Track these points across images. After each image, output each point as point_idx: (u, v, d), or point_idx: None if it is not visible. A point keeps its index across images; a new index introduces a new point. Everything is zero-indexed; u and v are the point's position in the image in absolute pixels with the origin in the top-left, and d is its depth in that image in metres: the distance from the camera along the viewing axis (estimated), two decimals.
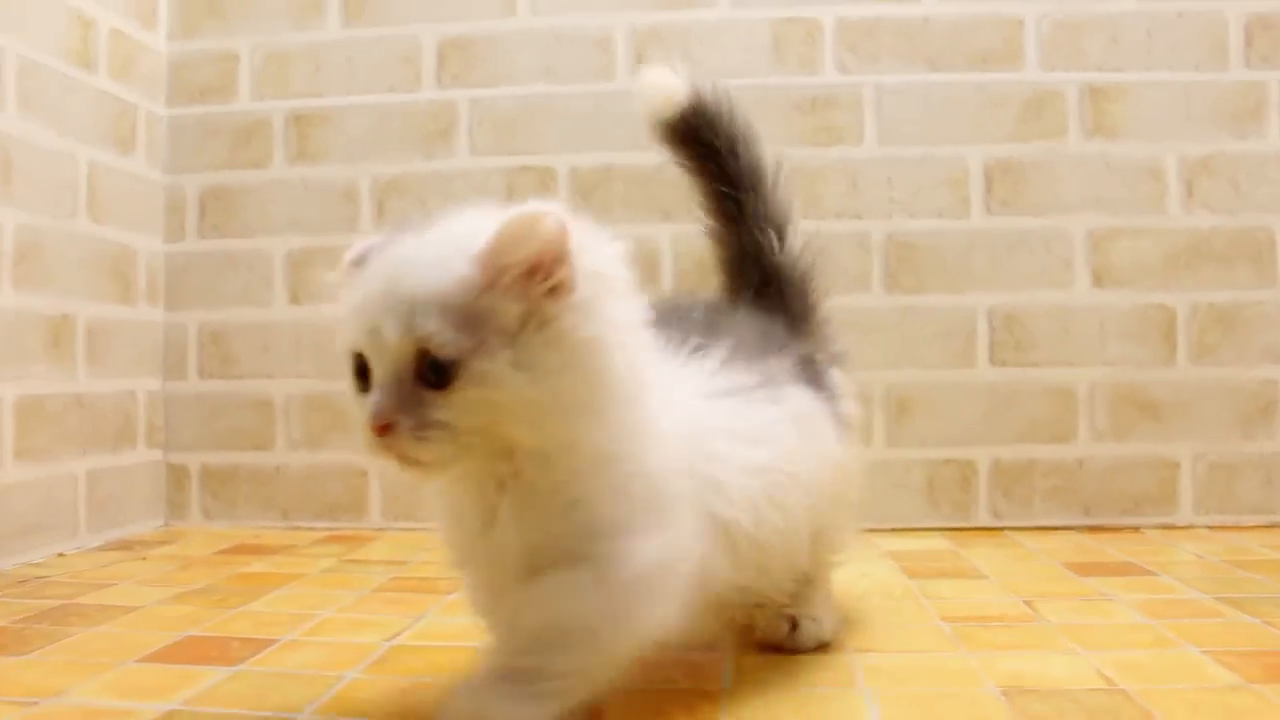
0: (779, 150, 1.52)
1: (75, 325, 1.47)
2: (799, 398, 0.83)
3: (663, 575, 0.66)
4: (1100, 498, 1.53)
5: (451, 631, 0.99)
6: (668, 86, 0.94)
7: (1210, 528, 1.52)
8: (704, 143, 0.98)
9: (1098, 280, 1.54)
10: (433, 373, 0.61)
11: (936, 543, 1.45)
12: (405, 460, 0.62)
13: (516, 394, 0.62)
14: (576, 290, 0.62)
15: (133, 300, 1.62)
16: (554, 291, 0.62)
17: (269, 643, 0.95)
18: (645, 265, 1.52)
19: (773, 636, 0.90)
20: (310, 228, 1.66)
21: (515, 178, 1.60)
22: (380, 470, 0.62)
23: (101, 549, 1.47)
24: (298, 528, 1.62)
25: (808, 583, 0.90)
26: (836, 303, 1.50)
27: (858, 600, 1.09)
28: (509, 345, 0.62)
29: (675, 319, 0.76)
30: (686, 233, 1.50)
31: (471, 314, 0.61)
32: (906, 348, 1.55)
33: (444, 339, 0.60)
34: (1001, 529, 1.53)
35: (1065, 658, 0.87)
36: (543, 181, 1.60)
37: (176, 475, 1.68)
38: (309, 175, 1.66)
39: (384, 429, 0.61)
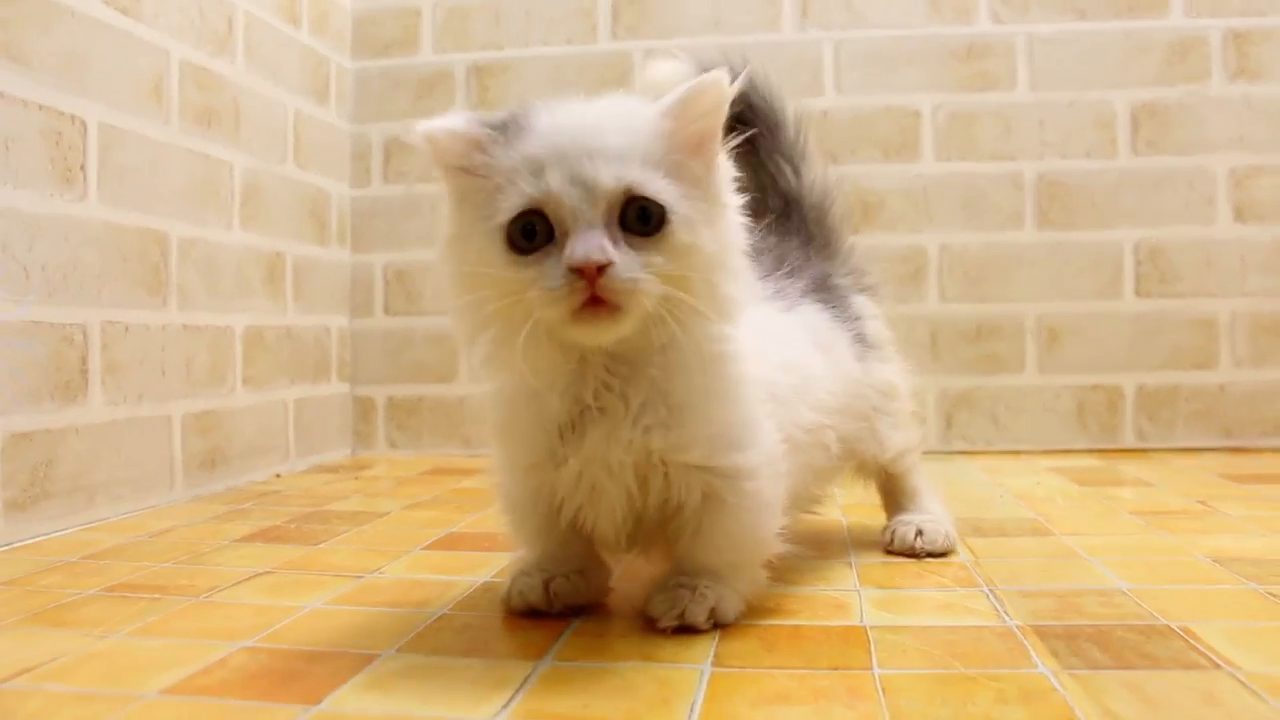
0: (937, 96, 1.62)
1: (285, 263, 1.61)
2: (811, 312, 0.86)
3: (777, 479, 0.71)
4: (1241, 421, 1.62)
5: None
6: (676, 74, 0.90)
7: None
8: None
9: (1239, 216, 1.62)
10: (641, 220, 0.62)
11: (1089, 461, 1.55)
12: (613, 304, 0.61)
13: (712, 245, 0.65)
14: (720, 158, 0.68)
15: (326, 241, 1.75)
16: (710, 155, 0.67)
17: None
18: None
19: (903, 543, 0.93)
20: None
21: None
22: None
23: (309, 471, 1.61)
24: (478, 454, 1.75)
25: (903, 493, 0.98)
26: (990, 239, 1.61)
27: (1043, 501, 1.20)
28: (702, 198, 0.65)
29: None
30: (853, 173, 1.60)
31: (670, 165, 0.64)
32: (1056, 281, 1.64)
33: (656, 184, 0.62)
34: (1147, 450, 1.63)
35: (1258, 539, 0.97)
36: None
37: (363, 407, 1.82)
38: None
39: (600, 270, 0.60)
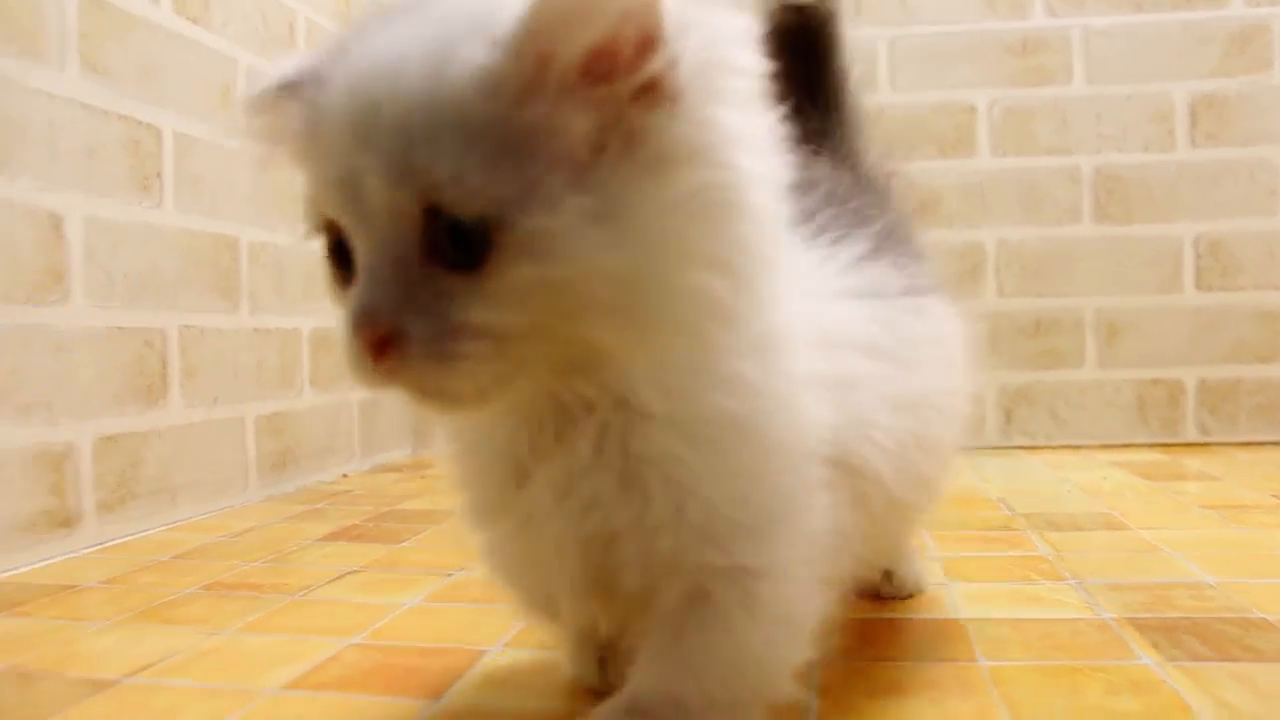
0: (992, 91, 1.62)
1: None
2: (939, 309, 0.64)
3: (810, 580, 0.46)
4: None
5: None
6: None
7: None
8: None
9: None
10: (454, 244, 0.37)
11: (1151, 456, 1.54)
12: (424, 395, 0.39)
13: (597, 265, 0.37)
14: (682, 91, 0.37)
15: None
16: (645, 94, 0.37)
17: None
18: None
19: (867, 584, 0.74)
20: None
21: None
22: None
23: (373, 471, 1.64)
24: None
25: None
26: (1047, 233, 1.61)
27: (1112, 496, 1.20)
28: (578, 185, 0.37)
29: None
30: (909, 170, 1.61)
31: (509, 137, 0.36)
32: (1115, 275, 1.64)
33: (468, 185, 0.36)
34: (1209, 444, 1.62)
35: None
36: None
37: None
38: None
39: (384, 345, 0.37)
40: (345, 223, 0.39)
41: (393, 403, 0.43)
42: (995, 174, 1.66)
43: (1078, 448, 1.62)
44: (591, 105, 0.37)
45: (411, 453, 1.83)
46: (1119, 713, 0.53)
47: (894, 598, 0.76)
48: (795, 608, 0.46)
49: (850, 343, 0.50)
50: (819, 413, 0.46)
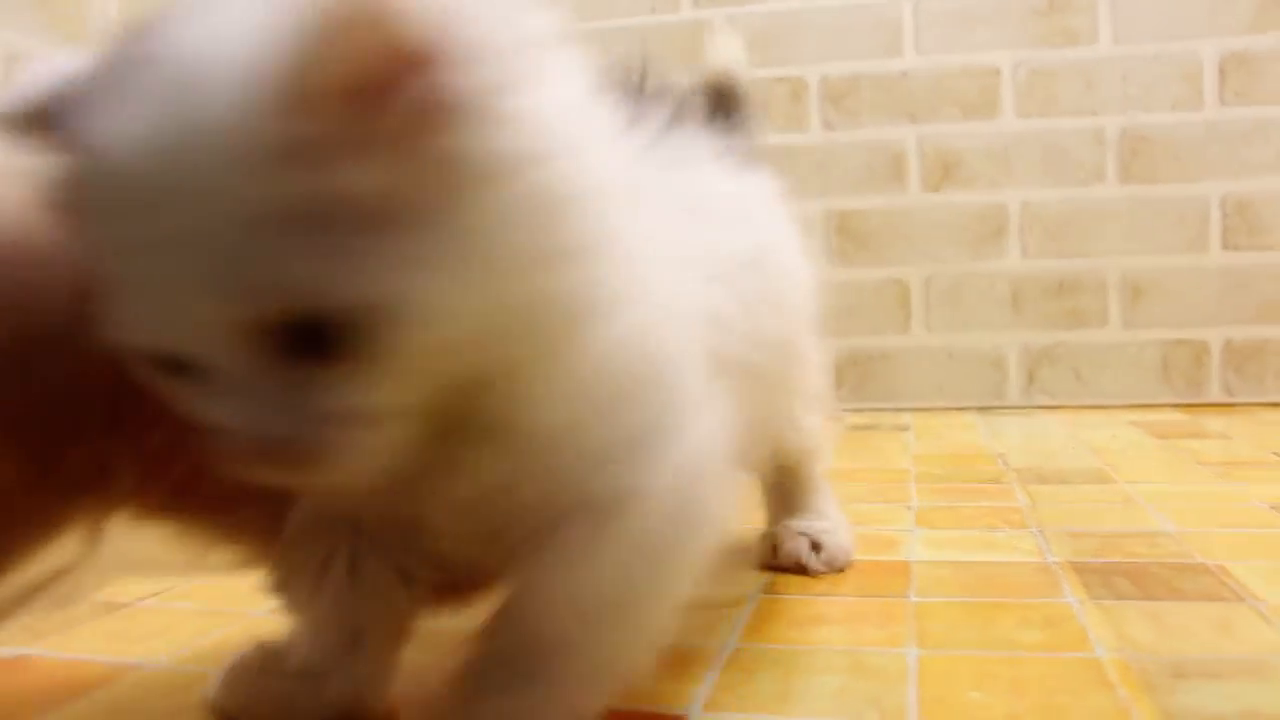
0: (1018, 53, 1.62)
1: None
2: (760, 180, 0.63)
3: (700, 491, 0.43)
4: None
5: None
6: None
7: None
8: None
9: None
10: (303, 339, 0.32)
11: (1173, 416, 1.55)
12: (326, 479, 0.36)
13: (462, 310, 0.34)
14: (470, 93, 0.32)
15: None
16: (431, 113, 0.31)
17: None
18: (893, 165, 1.66)
19: (790, 559, 0.73)
20: None
21: (770, 88, 1.75)
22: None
23: None
24: None
25: (799, 488, 0.75)
26: (1071, 194, 1.62)
27: (1115, 453, 1.22)
28: (411, 238, 0.32)
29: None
30: (932, 133, 1.63)
31: (323, 208, 0.31)
32: (1140, 235, 1.64)
33: (312, 282, 0.31)
34: (1234, 405, 1.62)
35: None
36: (795, 91, 1.74)
37: None
38: None
39: (273, 452, 0.34)
40: (152, 333, 0.33)
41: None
42: (1020, 136, 1.66)
43: (1101, 408, 1.63)
44: (385, 145, 0.31)
45: None
46: (1021, 643, 0.57)
47: (819, 572, 0.72)
48: (659, 539, 0.41)
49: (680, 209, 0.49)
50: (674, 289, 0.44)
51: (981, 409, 1.65)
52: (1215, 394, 1.63)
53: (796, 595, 0.68)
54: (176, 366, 0.34)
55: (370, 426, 0.35)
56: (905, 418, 1.54)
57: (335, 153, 0.30)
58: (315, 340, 0.32)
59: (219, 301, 0.31)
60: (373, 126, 0.30)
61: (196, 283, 0.31)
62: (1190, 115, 1.62)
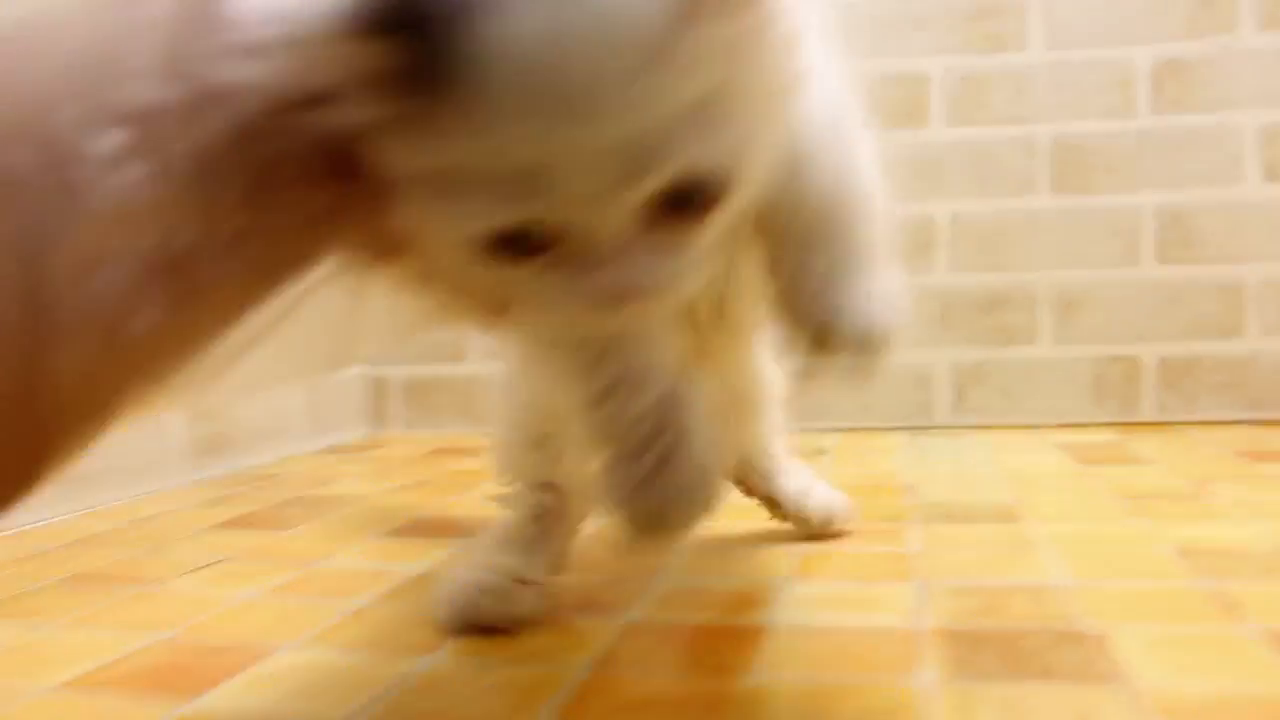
0: (946, 59, 1.56)
1: None
2: None
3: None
4: (1270, 392, 1.55)
5: None
6: None
7: None
8: None
9: (1270, 175, 1.54)
10: (685, 199, 0.35)
11: (1104, 436, 1.50)
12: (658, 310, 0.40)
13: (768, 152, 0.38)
14: None
15: None
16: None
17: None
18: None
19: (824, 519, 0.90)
20: None
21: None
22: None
23: (321, 453, 1.65)
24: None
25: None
26: (1001, 205, 1.57)
27: (1030, 483, 1.16)
28: (747, 102, 0.34)
29: None
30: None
31: (708, 88, 0.32)
32: (1072, 248, 1.58)
33: (719, 154, 0.34)
34: (1168, 423, 1.57)
35: (1241, 527, 0.93)
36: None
37: (379, 387, 1.84)
38: None
39: (645, 301, 0.37)
40: (534, 213, 0.34)
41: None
42: (948, 145, 1.60)
43: (1032, 428, 1.58)
44: (735, 26, 0.32)
45: (368, 433, 1.84)
46: None
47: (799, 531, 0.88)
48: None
49: None
50: None
51: (911, 429, 1.59)
52: (1148, 412, 1.58)
53: (632, 672, 0.62)
54: (515, 243, 0.35)
55: (702, 267, 0.39)
56: (827, 440, 1.48)
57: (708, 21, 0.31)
58: (690, 200, 0.35)
59: (637, 175, 0.33)
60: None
61: (617, 160, 0.32)
62: (1124, 123, 1.56)
